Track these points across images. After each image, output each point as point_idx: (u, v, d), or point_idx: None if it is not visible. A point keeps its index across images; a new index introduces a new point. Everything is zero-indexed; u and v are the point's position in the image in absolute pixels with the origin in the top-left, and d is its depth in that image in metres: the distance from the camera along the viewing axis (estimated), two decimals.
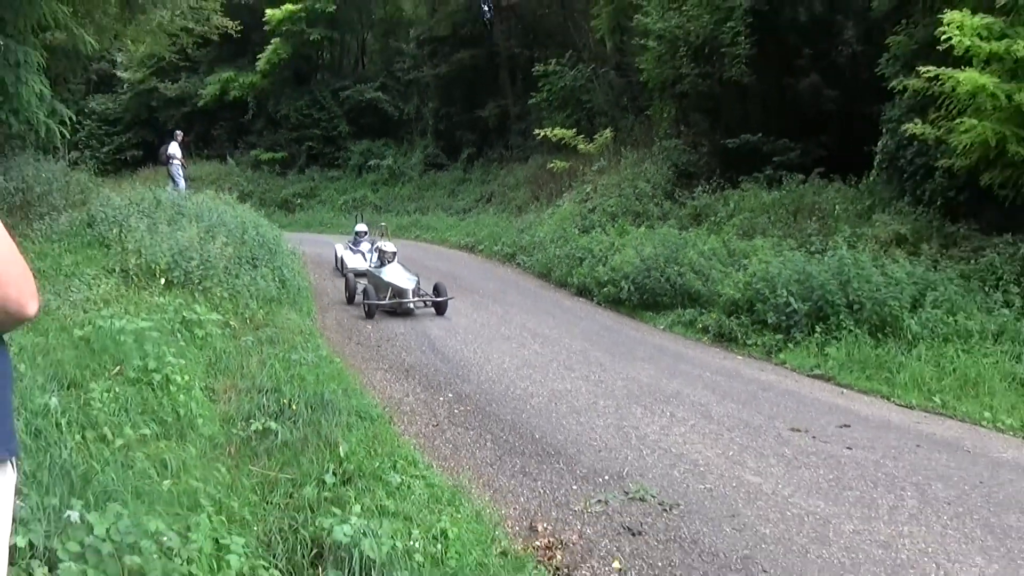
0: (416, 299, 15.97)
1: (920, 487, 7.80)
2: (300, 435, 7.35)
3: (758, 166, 21.04)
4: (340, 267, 20.89)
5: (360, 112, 42.76)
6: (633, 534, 6.52)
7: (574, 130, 28.48)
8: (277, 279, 14.80)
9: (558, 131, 28.18)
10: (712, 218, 20.31)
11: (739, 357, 13.24)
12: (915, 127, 14.68)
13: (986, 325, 12.08)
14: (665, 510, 7.02)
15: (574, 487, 7.58)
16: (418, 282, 16.33)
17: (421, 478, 6.86)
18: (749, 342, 13.68)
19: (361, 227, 22.11)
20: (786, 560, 6.19)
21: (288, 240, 19.83)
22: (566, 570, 5.96)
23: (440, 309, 15.98)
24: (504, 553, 5.88)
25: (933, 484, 7.89)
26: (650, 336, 14.87)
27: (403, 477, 6.61)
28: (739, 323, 14.14)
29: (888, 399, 10.90)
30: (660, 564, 6.08)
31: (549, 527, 6.64)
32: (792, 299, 13.30)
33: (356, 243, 21.34)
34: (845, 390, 11.38)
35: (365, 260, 19.62)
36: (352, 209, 37.71)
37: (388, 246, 17.51)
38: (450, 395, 10.69)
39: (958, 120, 13.49)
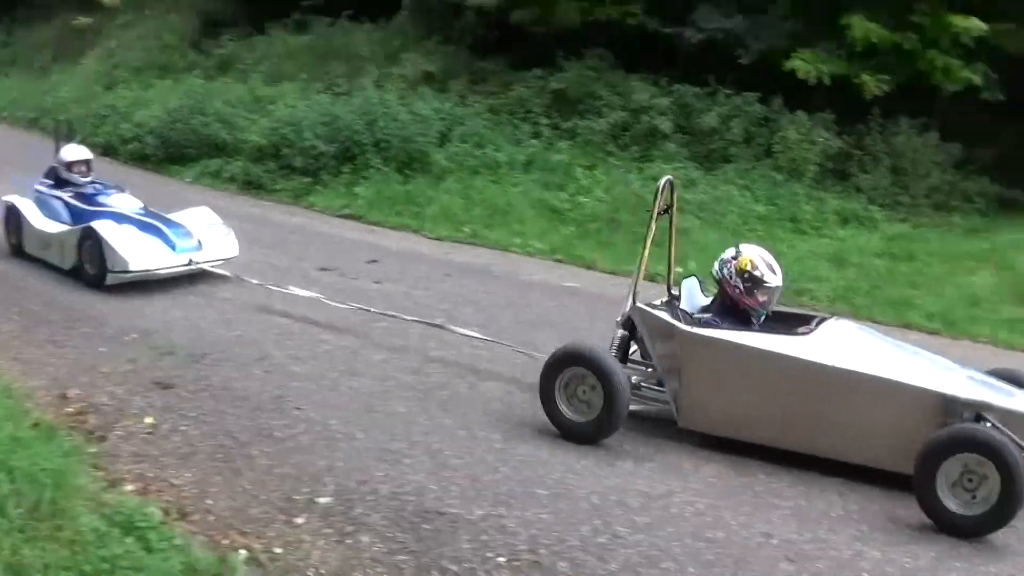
0: None
1: (449, 313, 7.84)
2: None
3: (286, 11, 20.09)
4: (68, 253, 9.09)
5: None
6: (164, 388, 6.38)
7: None
8: None
9: None
10: (239, 67, 19.41)
11: (268, 203, 12.90)
12: None
13: (515, 156, 12.41)
14: (195, 361, 6.91)
15: (102, 349, 7.24)
16: None
17: None
18: (277, 188, 13.34)
19: (76, 152, 9.90)
20: (319, 395, 6.28)
21: None
22: (100, 432, 5.69)
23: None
24: (36, 424, 5.45)
25: (463, 308, 8.02)
26: (178, 190, 14.02)
27: None
28: (266, 170, 13.73)
29: (418, 232, 11.03)
30: (193, 414, 5.96)
31: (80, 392, 6.33)
32: (318, 142, 13.08)
33: (89, 196, 9.49)
34: (375, 228, 11.38)
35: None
36: None
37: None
38: None
39: None
